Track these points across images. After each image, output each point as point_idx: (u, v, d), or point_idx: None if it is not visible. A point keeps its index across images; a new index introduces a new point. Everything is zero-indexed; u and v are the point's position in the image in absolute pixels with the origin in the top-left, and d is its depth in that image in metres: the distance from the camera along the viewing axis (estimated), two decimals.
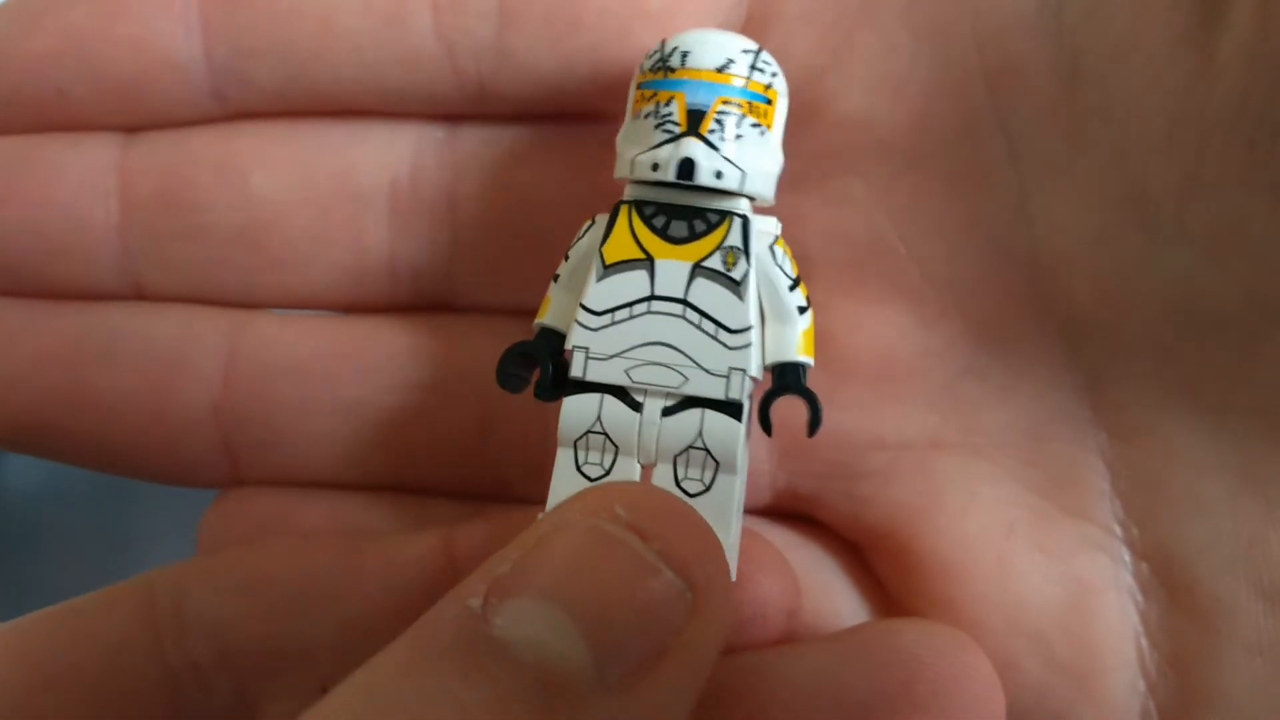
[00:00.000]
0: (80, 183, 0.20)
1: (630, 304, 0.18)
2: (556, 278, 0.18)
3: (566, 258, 0.18)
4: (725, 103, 0.17)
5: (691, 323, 0.17)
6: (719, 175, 0.17)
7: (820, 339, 0.19)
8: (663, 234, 0.18)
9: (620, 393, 0.17)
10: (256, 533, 0.21)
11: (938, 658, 0.18)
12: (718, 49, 0.17)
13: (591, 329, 0.18)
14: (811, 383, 0.19)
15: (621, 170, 0.18)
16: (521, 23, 0.19)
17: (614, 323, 0.18)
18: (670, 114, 0.17)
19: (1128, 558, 0.19)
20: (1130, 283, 0.18)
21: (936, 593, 0.19)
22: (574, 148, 0.20)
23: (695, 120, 0.17)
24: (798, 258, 0.19)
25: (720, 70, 0.17)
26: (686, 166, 0.17)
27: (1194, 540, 0.18)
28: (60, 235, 0.20)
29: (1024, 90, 0.18)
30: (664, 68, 0.18)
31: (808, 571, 0.20)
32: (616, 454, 0.18)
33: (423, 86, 0.20)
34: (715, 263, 0.18)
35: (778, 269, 0.18)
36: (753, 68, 0.18)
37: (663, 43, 0.18)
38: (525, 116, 0.20)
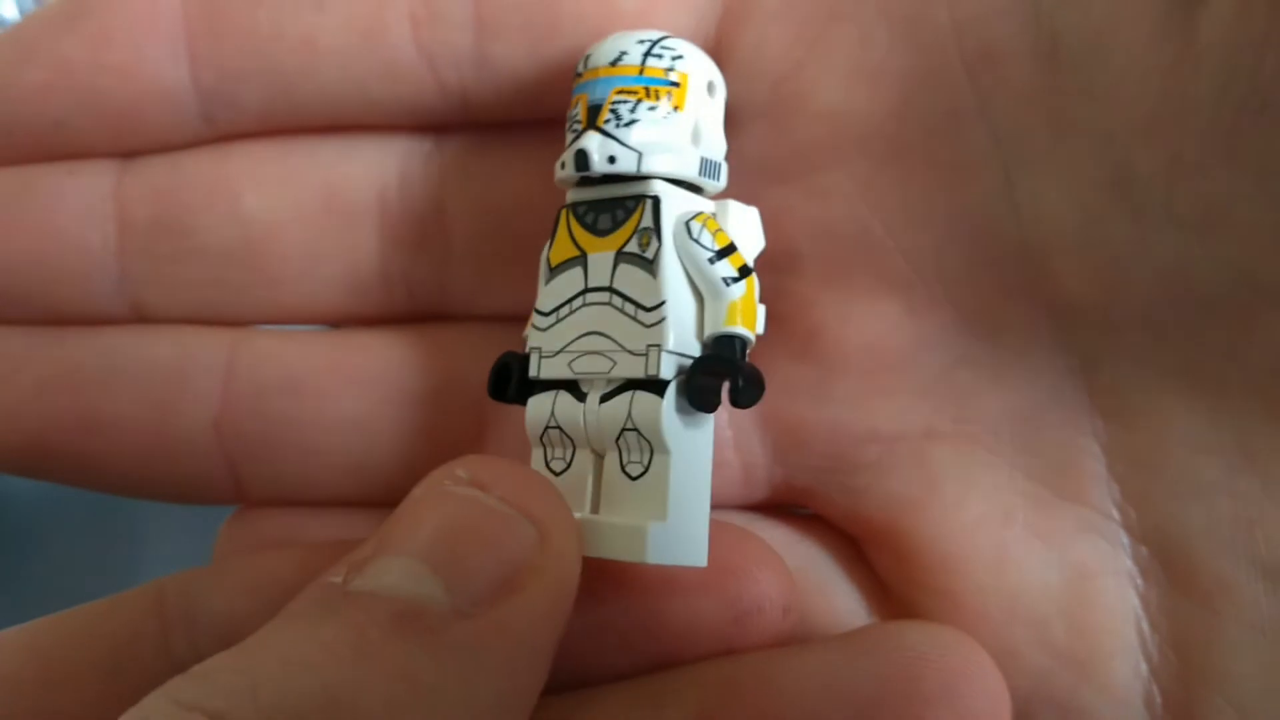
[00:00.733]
0: (78, 210, 0.20)
1: (570, 300, 0.18)
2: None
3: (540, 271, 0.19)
4: (619, 92, 0.18)
5: (616, 308, 0.18)
6: (612, 160, 0.17)
7: (810, 332, 0.19)
8: (592, 229, 0.18)
9: (572, 387, 0.18)
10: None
11: (942, 656, 0.18)
12: (613, 45, 0.18)
13: (541, 329, 0.18)
14: (803, 376, 0.19)
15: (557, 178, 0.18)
16: (499, 32, 0.19)
17: (558, 320, 0.18)
18: (575, 115, 0.18)
19: (1126, 541, 0.19)
20: (1120, 266, 0.18)
21: (935, 583, 0.19)
22: (558, 152, 0.21)
23: (593, 115, 0.18)
24: (785, 252, 0.19)
25: (614, 64, 0.18)
26: (581, 158, 0.18)
27: (1192, 522, 0.18)
28: (60, 262, 0.20)
29: (1004, 76, 0.18)
30: (577, 74, 0.18)
31: (805, 568, 0.20)
32: (574, 447, 0.18)
33: (406, 99, 0.20)
34: (633, 246, 0.18)
35: (694, 243, 0.18)
36: (647, 54, 0.18)
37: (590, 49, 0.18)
38: (510, 124, 0.21)
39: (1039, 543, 0.19)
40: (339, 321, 0.22)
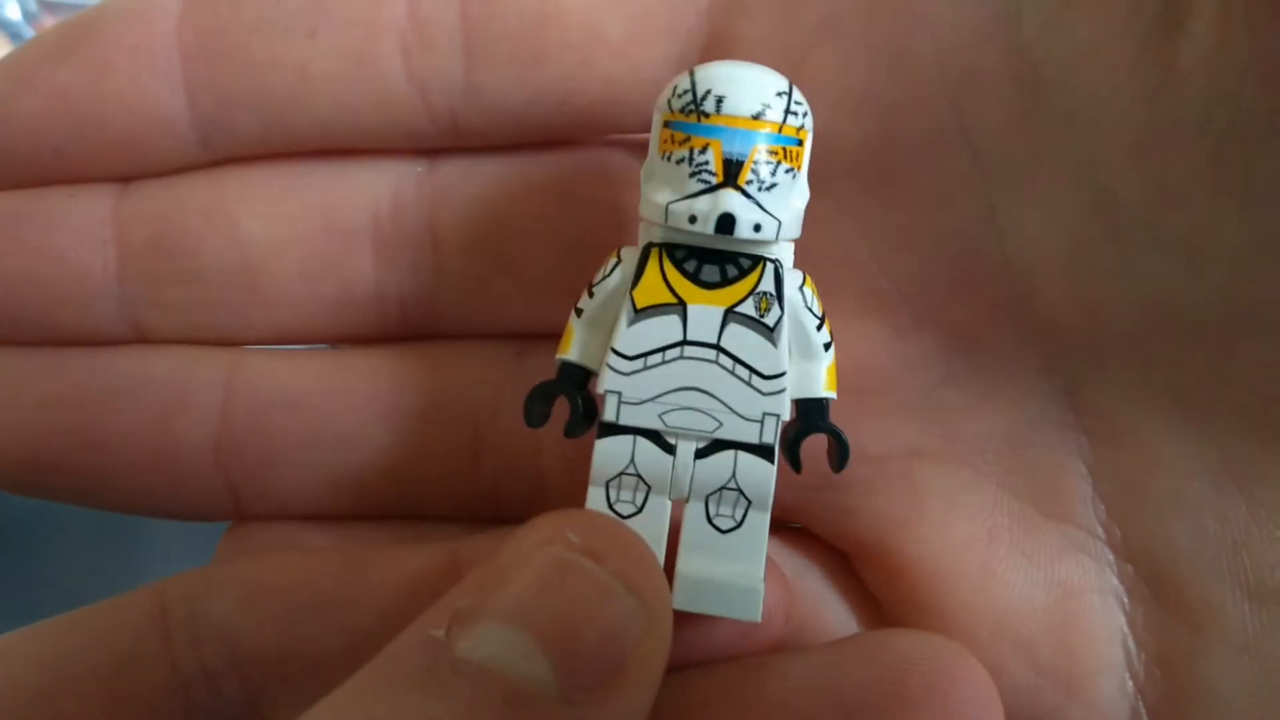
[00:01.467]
0: (78, 234, 0.21)
1: (663, 349, 0.18)
2: (579, 312, 0.18)
3: (591, 294, 0.18)
4: (762, 151, 0.17)
5: (725, 368, 0.18)
6: (757, 228, 0.17)
7: None
8: (694, 279, 0.18)
9: (652, 434, 0.18)
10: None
11: (932, 661, 0.18)
12: (753, 93, 0.17)
13: (624, 373, 0.18)
14: None
15: (652, 213, 0.17)
16: (488, 60, 0.20)
17: (646, 367, 0.18)
18: (706, 163, 0.17)
19: (1112, 560, 0.19)
20: (1104, 289, 0.18)
21: (922, 601, 0.19)
22: (549, 175, 0.21)
23: (732, 170, 0.17)
24: None
25: (756, 117, 0.17)
26: (726, 221, 0.17)
27: (1178, 541, 0.18)
28: (61, 285, 0.21)
29: (986, 102, 0.18)
30: (697, 111, 0.17)
31: (796, 581, 0.20)
32: (649, 493, 0.18)
33: (399, 125, 0.20)
34: (748, 308, 0.18)
35: (807, 310, 0.18)
36: (787, 111, 0.17)
37: (692, 78, 0.17)
38: (500, 147, 0.21)
39: (1025, 561, 0.19)
40: (334, 341, 0.22)
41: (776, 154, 0.17)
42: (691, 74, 0.17)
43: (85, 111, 0.20)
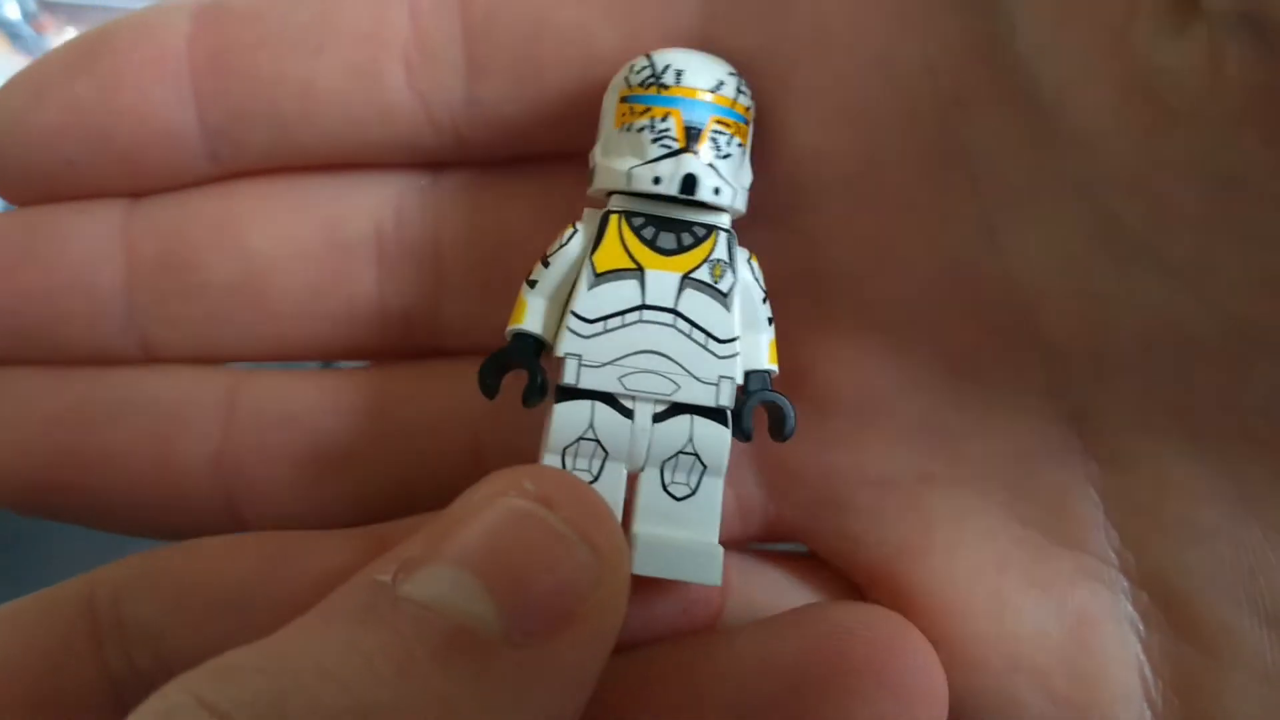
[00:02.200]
0: (88, 249, 0.21)
1: (622, 312, 0.18)
2: (532, 284, 0.19)
3: (546, 264, 0.18)
4: (718, 122, 0.18)
5: (682, 332, 0.18)
6: (716, 192, 0.18)
7: (796, 374, 0.20)
8: (651, 245, 0.18)
9: (609, 400, 0.18)
10: None
11: (869, 630, 0.18)
12: (709, 70, 0.18)
13: (583, 336, 0.18)
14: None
15: (611, 181, 0.18)
16: (488, 74, 0.20)
17: (606, 330, 0.18)
18: (668, 129, 0.18)
19: (1126, 587, 0.19)
20: (1107, 312, 0.17)
21: (932, 632, 0.19)
22: (549, 187, 0.21)
23: (692, 136, 0.18)
24: (769, 291, 0.19)
25: (713, 90, 0.18)
26: (689, 182, 0.18)
27: (1193, 568, 0.18)
28: (70, 300, 0.21)
29: (980, 119, 0.18)
30: (656, 83, 0.18)
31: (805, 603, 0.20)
32: (605, 460, 0.18)
33: (402, 139, 0.20)
34: (703, 274, 0.18)
35: (755, 283, 0.19)
36: (738, 90, 0.18)
37: (650, 58, 0.18)
38: (502, 160, 0.21)
39: (1037, 590, 0.19)
40: (340, 355, 0.22)
41: (729, 127, 0.18)
42: (648, 56, 0.18)
43: (97, 125, 0.20)
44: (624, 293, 0.18)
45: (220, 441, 0.21)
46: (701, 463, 0.18)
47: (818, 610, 0.19)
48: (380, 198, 0.21)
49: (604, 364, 0.18)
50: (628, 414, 0.18)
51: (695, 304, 0.18)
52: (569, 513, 0.15)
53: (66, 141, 0.20)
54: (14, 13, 0.65)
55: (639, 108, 0.18)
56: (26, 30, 0.66)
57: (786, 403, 0.18)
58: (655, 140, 0.18)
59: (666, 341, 0.18)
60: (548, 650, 0.14)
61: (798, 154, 0.19)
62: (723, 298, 0.18)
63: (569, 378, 0.18)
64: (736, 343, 0.18)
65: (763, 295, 0.19)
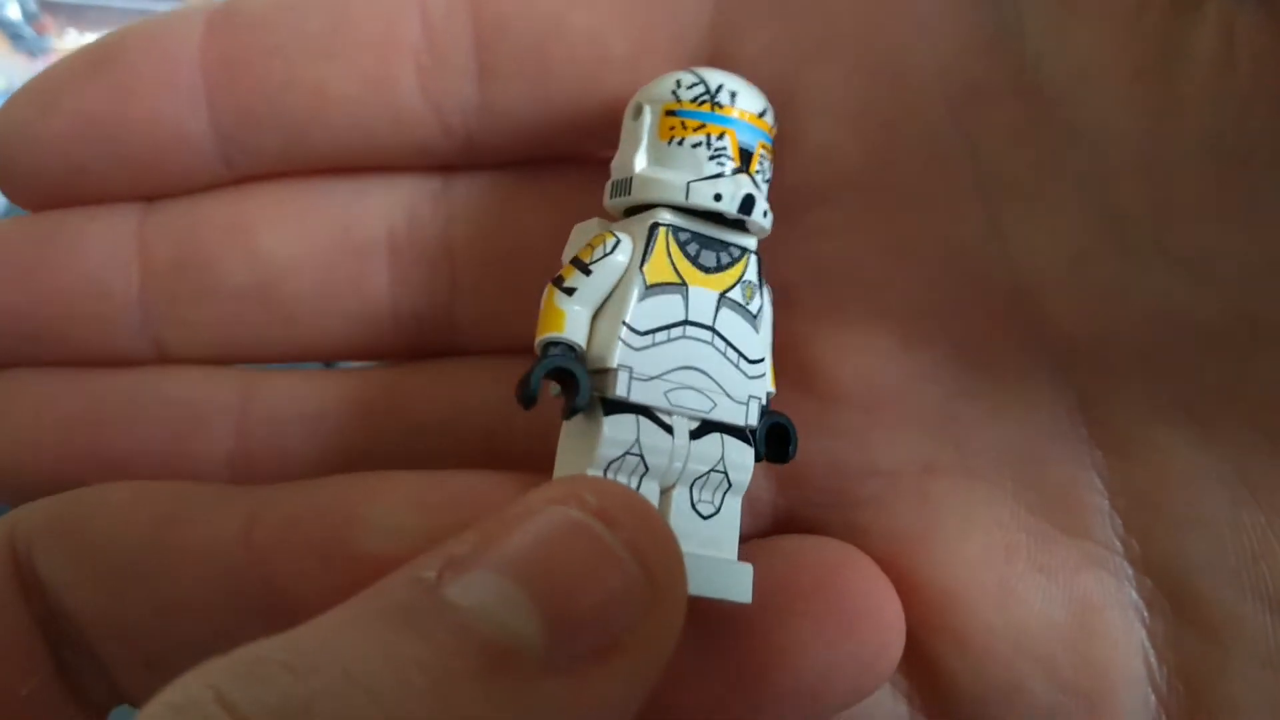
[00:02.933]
0: (102, 253, 0.21)
1: (668, 327, 0.18)
2: (570, 291, 0.18)
3: (587, 271, 0.18)
4: (763, 147, 0.18)
5: (718, 350, 0.18)
6: (765, 214, 0.18)
7: (806, 368, 0.20)
8: (694, 262, 0.18)
9: (650, 414, 0.18)
10: None
11: (817, 556, 0.18)
12: (756, 96, 0.18)
13: (634, 349, 0.17)
14: (801, 410, 0.20)
15: (663, 194, 0.18)
16: (499, 77, 0.20)
17: (654, 344, 0.18)
18: (725, 148, 0.18)
19: (1130, 574, 0.19)
20: (1112, 303, 0.18)
21: (940, 620, 0.19)
22: (561, 189, 0.21)
23: (745, 158, 0.18)
24: (779, 288, 0.19)
25: (760, 116, 0.18)
26: (748, 202, 0.18)
27: (1197, 555, 0.18)
28: (84, 304, 0.21)
29: (988, 116, 0.18)
30: (711, 101, 0.18)
31: None
32: (643, 477, 0.18)
33: (414, 143, 0.21)
34: (737, 295, 0.18)
35: (771, 308, 0.19)
36: (775, 119, 0.19)
37: (699, 76, 0.18)
38: (514, 163, 0.21)
39: (1042, 577, 0.19)
40: (353, 356, 0.22)
41: (769, 153, 0.18)
42: (695, 72, 0.18)
43: (110, 132, 0.20)
44: (670, 307, 0.18)
45: (235, 442, 0.21)
46: (729, 481, 0.18)
47: (769, 543, 0.19)
48: (392, 201, 0.21)
49: (652, 378, 0.17)
50: (668, 430, 0.18)
51: (730, 323, 0.18)
52: (628, 533, 0.14)
53: (79, 149, 0.20)
54: (15, 13, 0.65)
55: (692, 123, 0.18)
56: (28, 31, 0.66)
57: (791, 425, 0.19)
58: (712, 158, 0.18)
59: (705, 358, 0.18)
60: (589, 679, 0.13)
61: (808, 152, 0.19)
62: (753, 319, 0.18)
63: (620, 390, 0.17)
64: (765, 363, 0.18)
65: (772, 320, 0.19)
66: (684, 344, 0.18)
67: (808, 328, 0.20)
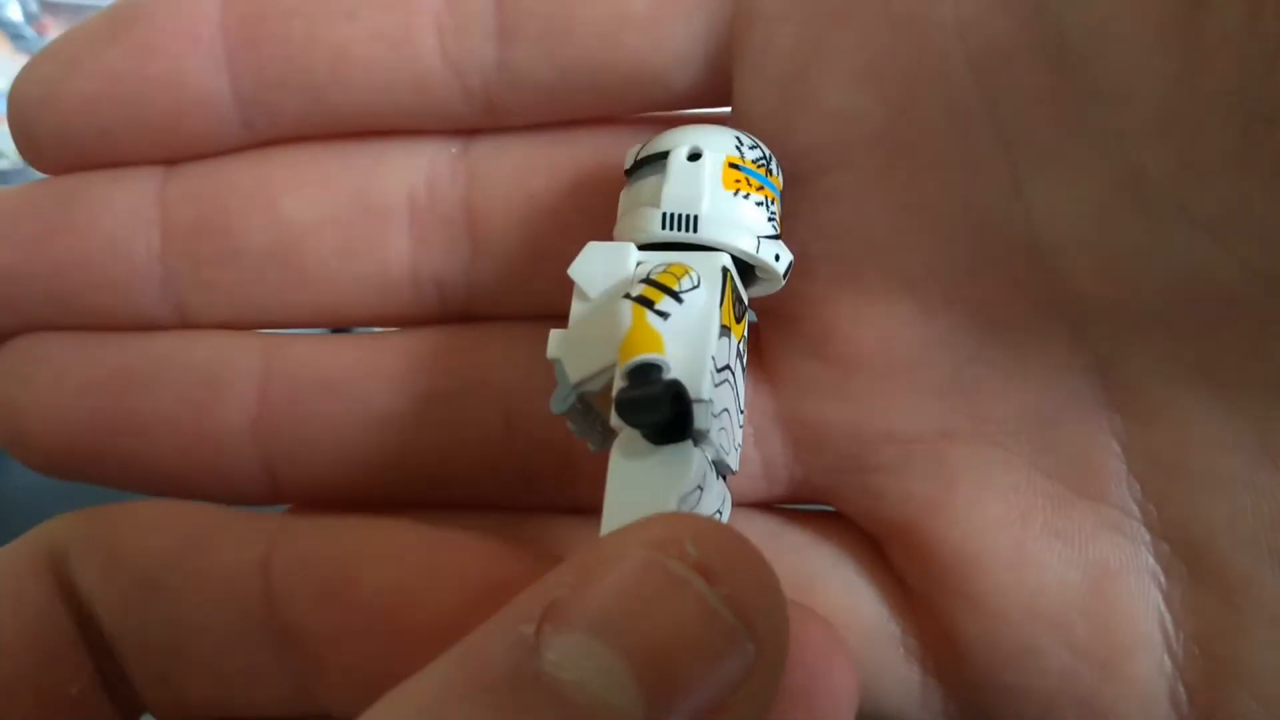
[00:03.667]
0: (123, 216, 0.21)
1: (722, 369, 0.18)
2: (664, 315, 0.17)
3: (680, 300, 0.17)
4: None
5: (735, 396, 0.18)
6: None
7: (823, 332, 0.20)
8: (734, 311, 0.18)
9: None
10: None
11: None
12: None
13: (715, 384, 0.17)
14: (818, 375, 0.20)
15: (738, 241, 0.18)
16: (520, 39, 0.20)
17: (716, 385, 0.17)
18: (776, 214, 0.19)
19: (1147, 539, 0.19)
20: (1133, 265, 0.18)
21: (955, 584, 0.19)
22: (582, 154, 0.21)
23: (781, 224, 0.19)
24: (795, 253, 0.19)
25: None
26: (790, 268, 0.19)
27: (1215, 518, 0.18)
28: (106, 266, 0.21)
29: (1009, 74, 0.18)
30: (767, 167, 0.19)
31: (826, 571, 0.20)
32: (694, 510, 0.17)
33: (434, 105, 0.21)
34: (743, 346, 0.19)
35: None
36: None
37: (756, 140, 0.19)
38: (534, 126, 0.21)
39: (1059, 541, 0.19)
40: (373, 321, 0.22)
41: None
42: (751, 137, 0.19)
43: (132, 93, 0.20)
44: (724, 350, 0.18)
45: (257, 408, 0.21)
46: (719, 514, 0.18)
47: None
48: (412, 164, 0.21)
49: (714, 415, 0.17)
50: (714, 469, 0.18)
51: (739, 372, 0.18)
52: (731, 589, 0.13)
53: (100, 111, 0.20)
54: (15, 14, 0.65)
55: (754, 183, 0.18)
56: (28, 31, 0.66)
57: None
58: (769, 219, 0.18)
59: (730, 403, 0.18)
60: None
61: (826, 114, 0.19)
62: (744, 368, 0.19)
63: (705, 423, 0.17)
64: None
65: None
66: (724, 387, 0.18)
67: (823, 292, 0.20)
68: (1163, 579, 0.19)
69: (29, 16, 0.66)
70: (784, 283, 0.19)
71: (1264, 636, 0.18)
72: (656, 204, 0.18)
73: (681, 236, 0.18)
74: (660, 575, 0.13)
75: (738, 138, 0.19)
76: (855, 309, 0.20)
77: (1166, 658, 0.19)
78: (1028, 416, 0.19)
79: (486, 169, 0.21)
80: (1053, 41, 0.17)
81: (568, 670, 0.13)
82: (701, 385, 0.17)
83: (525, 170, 0.21)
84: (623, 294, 0.17)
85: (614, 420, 0.17)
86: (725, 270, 0.18)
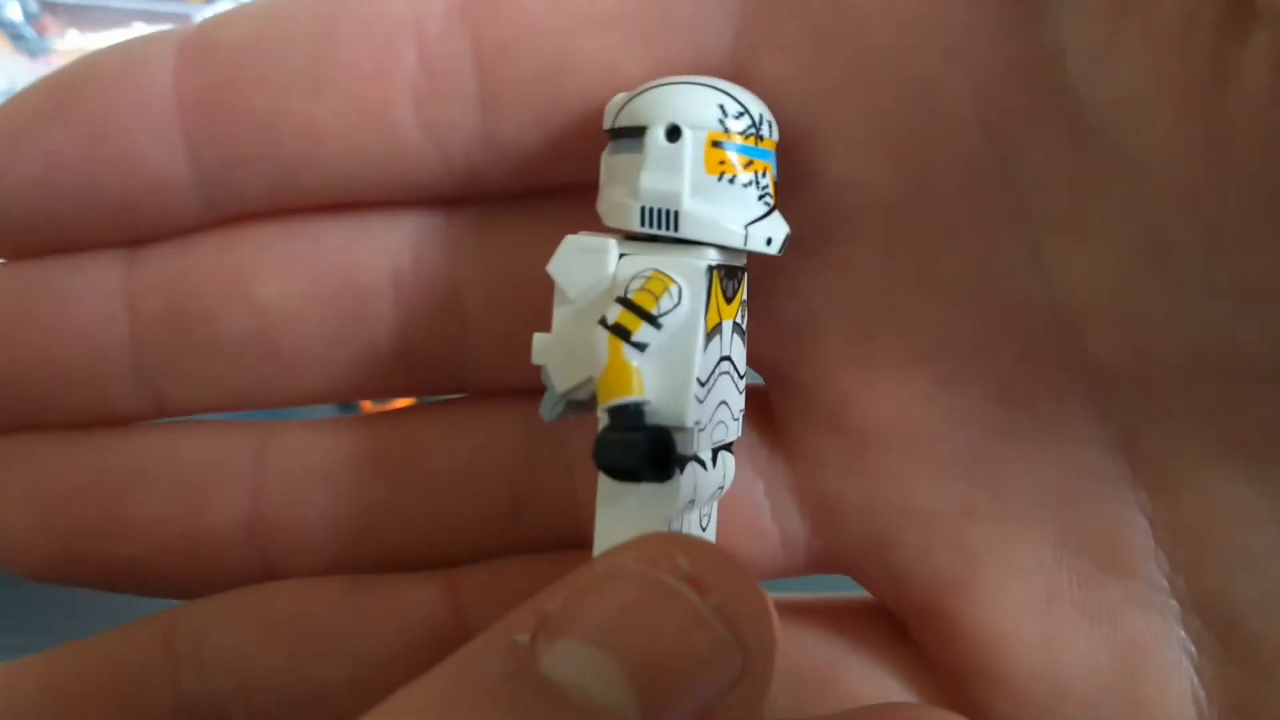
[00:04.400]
0: (90, 307, 0.20)
1: (714, 370, 0.17)
2: (642, 346, 0.17)
3: (659, 325, 0.17)
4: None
5: (733, 378, 0.18)
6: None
7: (837, 404, 0.19)
8: (724, 295, 0.17)
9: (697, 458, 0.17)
10: None
11: None
12: (773, 119, 0.18)
13: (700, 401, 0.17)
14: (834, 448, 0.20)
15: (720, 236, 0.17)
16: (504, 108, 0.19)
17: (708, 392, 0.17)
18: (768, 187, 0.17)
19: (1178, 613, 0.18)
20: (1158, 336, 0.17)
21: (981, 665, 0.19)
22: (570, 220, 0.20)
23: (775, 192, 0.18)
24: (805, 320, 0.19)
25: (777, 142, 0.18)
26: (787, 242, 0.17)
27: (1246, 592, 0.17)
28: (76, 364, 0.20)
29: (1027, 141, 0.17)
30: (756, 134, 0.17)
31: (848, 655, 0.20)
32: (684, 520, 0.18)
33: (414, 177, 0.19)
34: (741, 318, 0.18)
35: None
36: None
37: (741, 104, 0.17)
38: (521, 195, 0.20)
39: (1086, 620, 0.18)
40: (360, 398, 0.21)
41: None
42: (734, 97, 0.17)
43: (81, 177, 0.19)
44: (714, 350, 0.17)
45: (251, 504, 0.20)
46: (720, 490, 0.18)
47: (885, 712, 0.18)
48: (394, 239, 0.20)
49: (706, 425, 0.17)
50: (703, 464, 0.17)
51: (736, 347, 0.18)
52: (720, 598, 0.14)
53: (49, 197, 0.19)
54: (16, 14, 0.65)
55: (742, 159, 0.17)
56: (28, 31, 0.65)
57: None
58: (760, 197, 0.17)
59: (728, 390, 0.18)
60: None
61: (836, 183, 0.18)
62: (744, 334, 0.18)
63: (693, 448, 0.17)
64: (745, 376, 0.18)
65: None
66: (721, 380, 0.17)
67: (836, 360, 0.19)
68: (1194, 654, 0.18)
69: (29, 16, 0.66)
70: (780, 254, 0.17)
71: None
72: (635, 195, 0.17)
73: (662, 234, 0.17)
74: (653, 586, 0.14)
75: (721, 106, 0.17)
76: (869, 380, 0.19)
77: None
78: (1051, 492, 0.18)
79: (473, 240, 0.20)
80: (1071, 111, 0.16)
81: (565, 673, 0.13)
82: (685, 413, 0.16)
83: (513, 240, 0.20)
84: (604, 297, 0.17)
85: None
86: (711, 269, 0.17)
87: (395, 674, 0.16)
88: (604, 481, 0.17)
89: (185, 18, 0.64)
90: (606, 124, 0.18)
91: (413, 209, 0.20)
